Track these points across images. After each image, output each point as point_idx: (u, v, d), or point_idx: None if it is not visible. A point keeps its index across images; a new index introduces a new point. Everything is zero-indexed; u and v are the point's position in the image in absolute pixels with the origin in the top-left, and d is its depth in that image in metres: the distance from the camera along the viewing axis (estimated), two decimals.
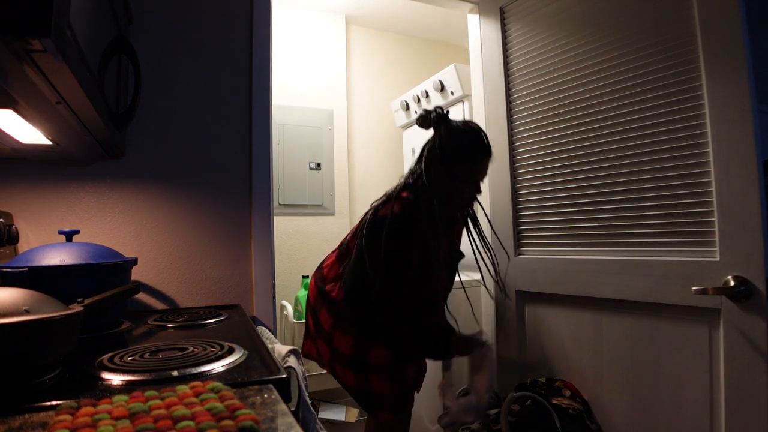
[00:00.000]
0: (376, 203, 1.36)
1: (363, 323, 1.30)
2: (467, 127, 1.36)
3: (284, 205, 2.67)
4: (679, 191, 1.21)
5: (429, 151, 1.35)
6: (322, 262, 1.50)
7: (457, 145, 1.32)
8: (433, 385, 1.98)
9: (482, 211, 1.62)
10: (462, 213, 1.46)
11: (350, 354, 1.33)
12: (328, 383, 2.12)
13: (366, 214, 1.37)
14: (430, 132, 1.41)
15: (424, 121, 1.37)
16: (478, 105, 1.86)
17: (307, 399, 0.93)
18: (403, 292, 1.25)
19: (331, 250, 1.54)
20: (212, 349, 0.76)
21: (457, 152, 1.32)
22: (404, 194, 1.29)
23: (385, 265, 1.22)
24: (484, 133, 1.36)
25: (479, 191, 1.37)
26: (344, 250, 1.41)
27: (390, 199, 1.31)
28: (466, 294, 1.56)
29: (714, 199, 1.13)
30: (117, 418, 0.45)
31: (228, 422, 0.42)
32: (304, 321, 1.61)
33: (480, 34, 1.84)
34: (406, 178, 1.39)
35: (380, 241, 1.23)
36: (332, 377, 1.45)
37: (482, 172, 1.37)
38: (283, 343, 1.36)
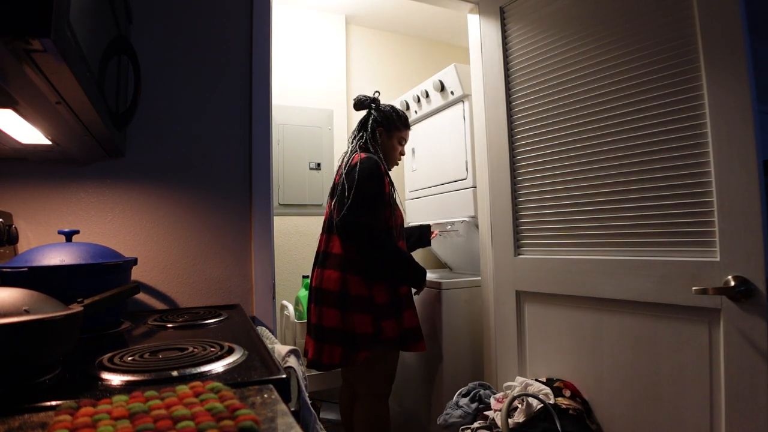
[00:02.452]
0: (341, 168, 1.73)
1: (356, 241, 1.57)
2: (394, 107, 1.86)
3: (284, 205, 2.67)
4: (679, 191, 1.21)
5: (374, 121, 1.80)
6: (320, 258, 1.71)
7: (394, 116, 1.82)
8: (433, 387, 1.98)
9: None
10: (391, 167, 1.86)
11: (360, 295, 1.58)
12: (328, 383, 2.12)
13: (335, 182, 1.74)
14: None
15: (361, 103, 1.83)
16: (478, 105, 1.86)
17: (307, 399, 0.93)
18: (373, 211, 1.58)
19: None
20: (212, 349, 0.76)
21: (397, 121, 1.82)
22: (362, 154, 1.69)
23: (356, 188, 1.57)
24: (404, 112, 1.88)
25: (404, 153, 1.90)
26: (329, 222, 1.71)
27: (350, 156, 1.72)
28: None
29: (714, 199, 1.13)
30: (117, 419, 0.45)
31: (228, 422, 0.42)
32: (306, 320, 1.68)
33: (480, 34, 1.84)
34: (353, 143, 1.80)
35: (354, 174, 1.60)
36: (332, 377, 1.46)
37: (407, 138, 1.90)
38: (283, 343, 1.36)
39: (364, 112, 1.87)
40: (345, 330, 1.56)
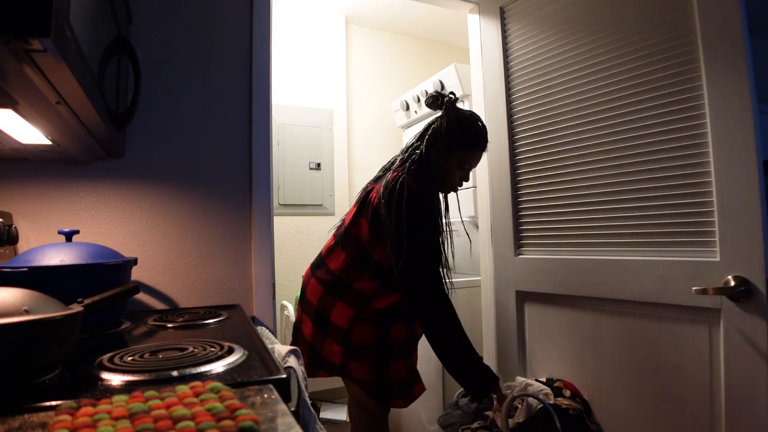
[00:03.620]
0: (381, 180, 1.38)
1: (424, 307, 1.29)
2: (473, 116, 1.44)
3: (284, 205, 2.67)
4: (679, 191, 1.21)
5: (434, 131, 1.41)
6: (322, 259, 1.46)
7: (463, 131, 1.39)
8: (433, 386, 1.98)
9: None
10: (446, 194, 1.51)
11: (372, 344, 1.31)
12: (328, 383, 2.12)
13: (365, 193, 1.41)
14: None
15: (434, 101, 1.44)
16: (478, 105, 1.86)
17: (307, 399, 0.93)
18: (437, 265, 1.29)
19: None
20: (212, 349, 0.76)
21: (462, 138, 1.38)
22: (410, 177, 1.31)
23: (414, 237, 1.25)
24: (485, 127, 1.44)
25: (467, 179, 1.46)
26: (345, 236, 1.40)
27: (389, 171, 1.38)
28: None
29: (714, 199, 1.13)
30: (117, 418, 0.45)
31: (228, 422, 0.42)
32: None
33: (480, 34, 1.84)
34: (404, 152, 1.44)
35: (402, 208, 1.25)
36: (332, 377, 1.45)
37: (476, 162, 1.46)
38: (284, 343, 1.36)
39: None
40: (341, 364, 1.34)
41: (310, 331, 1.42)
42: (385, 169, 1.46)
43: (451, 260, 1.54)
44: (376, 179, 1.45)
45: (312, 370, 1.41)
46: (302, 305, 1.48)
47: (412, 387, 1.37)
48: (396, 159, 1.46)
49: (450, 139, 1.38)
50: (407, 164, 1.36)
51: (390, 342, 1.34)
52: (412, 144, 1.45)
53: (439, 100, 1.43)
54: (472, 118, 1.42)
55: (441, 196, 1.49)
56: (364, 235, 1.36)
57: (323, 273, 1.42)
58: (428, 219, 1.30)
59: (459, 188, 1.47)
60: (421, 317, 1.30)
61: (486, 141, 1.44)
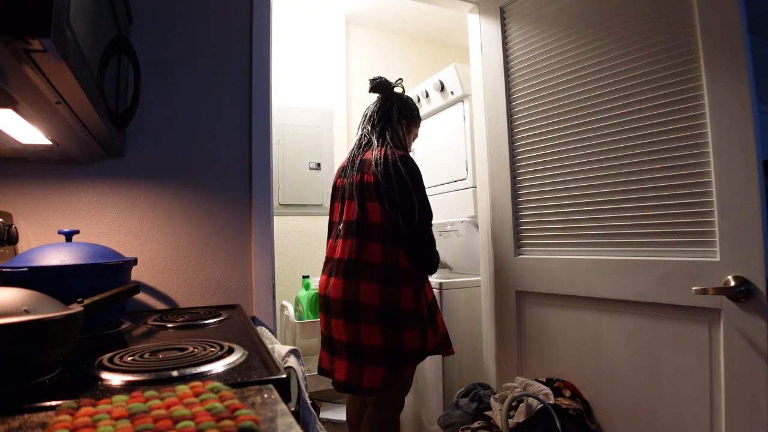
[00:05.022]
0: (365, 165, 1.53)
1: (428, 248, 1.50)
2: (410, 97, 1.70)
3: (284, 205, 2.67)
4: (679, 191, 1.21)
5: (399, 112, 1.61)
6: (350, 261, 1.48)
7: (413, 109, 1.66)
8: (433, 386, 1.98)
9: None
10: None
11: (414, 307, 1.46)
12: (328, 383, 2.12)
13: (358, 183, 1.53)
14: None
15: (381, 87, 1.64)
16: (478, 105, 1.86)
17: (307, 399, 0.93)
18: (430, 219, 1.50)
19: None
20: (212, 349, 0.76)
21: (417, 116, 1.68)
22: (395, 150, 1.52)
23: (419, 192, 1.48)
24: None
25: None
26: (364, 227, 1.49)
27: (379, 152, 1.52)
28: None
29: (714, 199, 1.13)
30: (117, 419, 0.45)
31: (228, 422, 0.42)
32: (305, 321, 1.62)
33: (480, 34, 1.84)
34: (376, 134, 1.59)
35: (402, 174, 1.46)
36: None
37: (418, 136, 1.73)
38: (283, 343, 1.36)
39: (375, 97, 1.70)
40: (390, 348, 1.41)
41: (379, 335, 1.42)
42: (356, 151, 1.61)
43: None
44: (358, 167, 1.55)
45: (394, 376, 1.42)
46: (345, 315, 1.46)
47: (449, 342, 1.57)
48: (364, 143, 1.60)
49: (411, 117, 1.64)
50: (386, 142, 1.54)
51: (428, 301, 1.53)
52: (376, 125, 1.60)
53: (388, 85, 1.63)
54: (411, 98, 1.69)
55: None
56: (379, 217, 1.47)
57: (370, 272, 1.45)
58: (422, 182, 1.51)
59: None
60: (422, 263, 1.49)
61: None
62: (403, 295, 1.43)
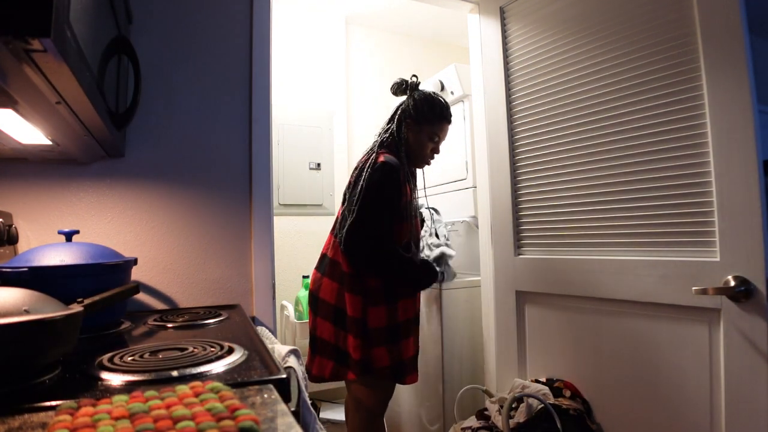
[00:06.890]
0: (359, 163, 1.50)
1: (359, 263, 1.40)
2: (436, 94, 1.59)
3: (284, 205, 2.67)
4: (679, 191, 1.21)
5: (403, 111, 1.54)
6: (325, 256, 1.51)
7: (429, 106, 1.54)
8: (433, 386, 1.98)
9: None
10: (421, 167, 1.64)
11: (386, 324, 1.41)
12: (329, 383, 2.12)
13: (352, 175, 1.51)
14: None
15: (399, 88, 1.59)
16: (478, 105, 1.86)
17: (307, 399, 0.93)
18: (379, 229, 1.39)
19: None
20: (212, 349, 0.76)
21: (429, 113, 1.53)
22: (382, 151, 1.48)
23: (362, 201, 1.38)
24: (447, 102, 1.60)
25: (438, 152, 1.60)
26: (338, 226, 1.49)
27: (369, 154, 1.49)
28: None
29: (714, 199, 1.13)
30: (117, 419, 0.45)
31: (228, 422, 0.42)
32: (306, 321, 1.58)
33: (480, 34, 1.84)
34: (380, 135, 1.56)
35: (363, 180, 1.40)
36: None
37: (444, 135, 1.59)
38: (283, 343, 1.36)
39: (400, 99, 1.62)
40: (338, 346, 1.41)
41: (330, 332, 1.42)
42: (366, 153, 1.57)
43: (426, 241, 1.74)
44: (355, 168, 1.54)
45: (342, 371, 1.41)
46: (315, 310, 1.48)
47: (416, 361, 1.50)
48: (375, 141, 1.57)
49: (418, 115, 1.52)
50: (380, 143, 1.51)
51: (398, 321, 1.44)
52: (384, 126, 1.57)
53: (403, 85, 1.58)
54: (435, 95, 1.58)
55: (412, 173, 1.60)
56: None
57: (332, 269, 1.45)
58: (386, 185, 1.40)
59: (430, 162, 1.61)
60: (362, 271, 1.41)
61: (449, 113, 1.57)
62: (347, 300, 1.40)
